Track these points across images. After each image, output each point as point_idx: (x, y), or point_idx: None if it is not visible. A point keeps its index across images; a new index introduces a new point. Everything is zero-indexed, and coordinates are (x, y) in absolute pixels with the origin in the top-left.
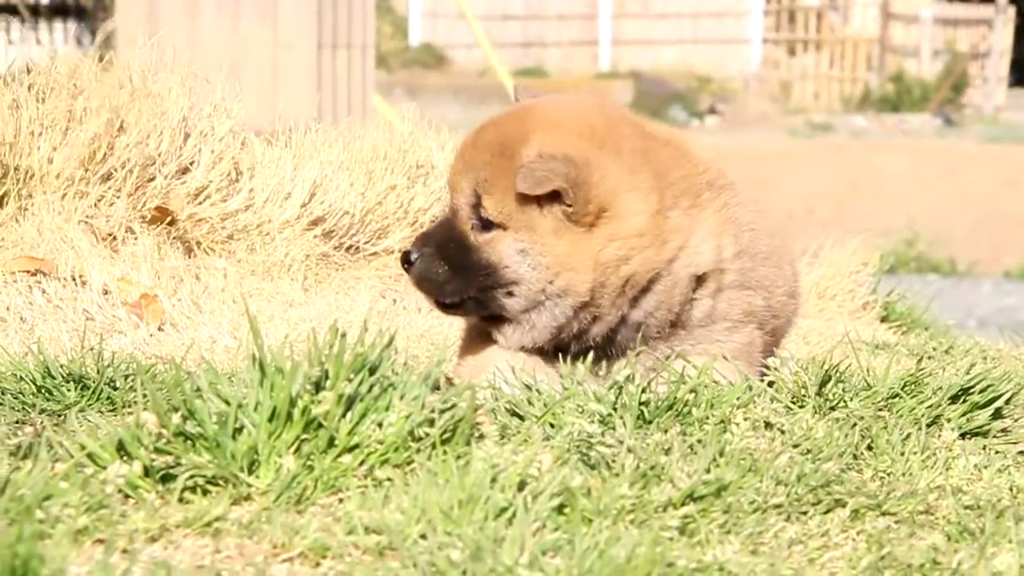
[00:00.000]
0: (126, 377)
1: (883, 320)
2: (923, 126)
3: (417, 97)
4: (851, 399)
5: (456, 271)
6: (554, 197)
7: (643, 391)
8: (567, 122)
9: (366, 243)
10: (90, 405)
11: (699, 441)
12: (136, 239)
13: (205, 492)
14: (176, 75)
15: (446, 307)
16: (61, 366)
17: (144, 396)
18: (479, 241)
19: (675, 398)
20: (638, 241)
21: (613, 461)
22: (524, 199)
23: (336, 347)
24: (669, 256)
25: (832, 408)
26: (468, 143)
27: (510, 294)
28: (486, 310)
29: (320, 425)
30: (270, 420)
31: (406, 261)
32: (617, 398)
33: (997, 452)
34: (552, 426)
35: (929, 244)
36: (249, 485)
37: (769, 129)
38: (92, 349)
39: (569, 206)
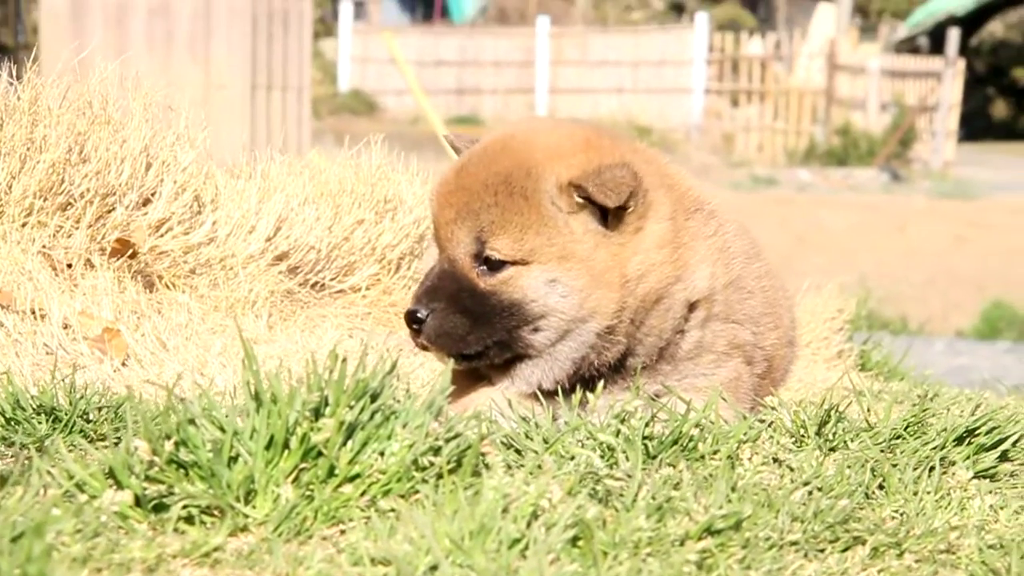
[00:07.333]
0: (99, 409)
1: (861, 368)
2: (870, 181)
3: (347, 144)
4: (852, 439)
5: (476, 320)
6: (597, 209)
7: (646, 425)
8: (564, 144)
9: (332, 280)
10: (63, 438)
11: (710, 475)
12: (96, 272)
13: (200, 522)
14: (138, 102)
15: (466, 358)
16: (32, 398)
17: (135, 422)
18: (491, 284)
19: (680, 433)
20: (657, 255)
21: (622, 494)
22: (551, 226)
23: (336, 373)
24: (677, 274)
25: (832, 449)
26: (452, 189)
27: (536, 329)
28: (509, 351)
29: (320, 453)
30: (267, 448)
31: (414, 321)
32: (619, 432)
33: (1013, 493)
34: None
35: (879, 301)
36: (246, 516)
37: (711, 182)
38: (63, 381)
39: (627, 209)
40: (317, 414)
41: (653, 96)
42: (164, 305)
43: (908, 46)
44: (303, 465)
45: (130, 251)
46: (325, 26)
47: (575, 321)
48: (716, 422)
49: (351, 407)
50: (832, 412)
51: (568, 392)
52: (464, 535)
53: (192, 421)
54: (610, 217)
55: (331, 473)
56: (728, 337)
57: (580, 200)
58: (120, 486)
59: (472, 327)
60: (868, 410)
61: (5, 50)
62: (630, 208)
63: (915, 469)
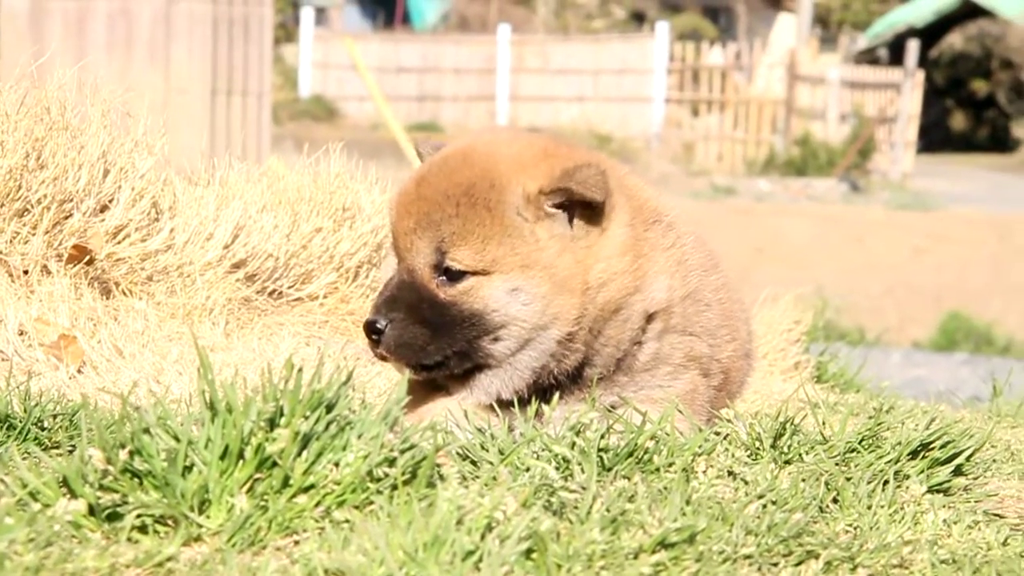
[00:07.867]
0: (55, 417)
1: (818, 380)
2: (829, 191)
3: (307, 150)
4: (807, 453)
5: (436, 330)
6: (568, 210)
7: (602, 437)
8: (525, 154)
9: (290, 288)
10: (17, 446)
11: (665, 488)
12: (52, 278)
13: (154, 532)
14: (97, 108)
15: (426, 368)
16: None
17: (89, 430)
18: (452, 295)
19: (635, 445)
20: (619, 263)
21: (577, 507)
22: (515, 236)
23: (291, 383)
24: (636, 284)
25: (787, 462)
26: (412, 199)
27: (497, 339)
28: (469, 361)
29: (275, 464)
30: (222, 458)
31: (373, 331)
32: (574, 444)
33: (966, 508)
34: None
35: (837, 312)
36: (200, 525)
37: (671, 191)
38: (18, 388)
39: (603, 208)
40: (272, 424)
41: (614, 105)
42: (121, 312)
43: (868, 57)
44: (257, 475)
45: (87, 257)
46: (286, 31)
47: (536, 329)
48: (672, 434)
49: (306, 417)
50: (787, 425)
51: (525, 403)
52: (418, 547)
53: (147, 430)
54: (577, 219)
55: (285, 483)
56: (685, 349)
57: (551, 208)
58: (74, 495)
59: (432, 338)
60: (823, 423)
61: None
62: (606, 207)
63: (869, 483)
